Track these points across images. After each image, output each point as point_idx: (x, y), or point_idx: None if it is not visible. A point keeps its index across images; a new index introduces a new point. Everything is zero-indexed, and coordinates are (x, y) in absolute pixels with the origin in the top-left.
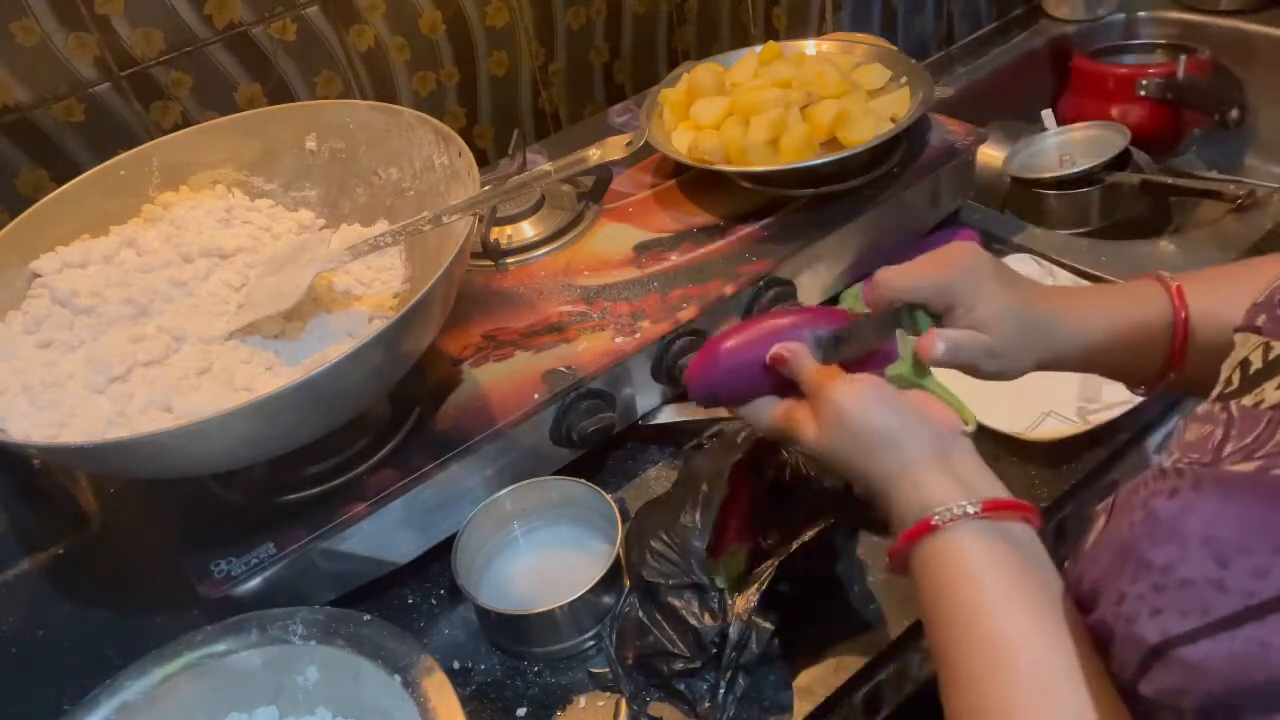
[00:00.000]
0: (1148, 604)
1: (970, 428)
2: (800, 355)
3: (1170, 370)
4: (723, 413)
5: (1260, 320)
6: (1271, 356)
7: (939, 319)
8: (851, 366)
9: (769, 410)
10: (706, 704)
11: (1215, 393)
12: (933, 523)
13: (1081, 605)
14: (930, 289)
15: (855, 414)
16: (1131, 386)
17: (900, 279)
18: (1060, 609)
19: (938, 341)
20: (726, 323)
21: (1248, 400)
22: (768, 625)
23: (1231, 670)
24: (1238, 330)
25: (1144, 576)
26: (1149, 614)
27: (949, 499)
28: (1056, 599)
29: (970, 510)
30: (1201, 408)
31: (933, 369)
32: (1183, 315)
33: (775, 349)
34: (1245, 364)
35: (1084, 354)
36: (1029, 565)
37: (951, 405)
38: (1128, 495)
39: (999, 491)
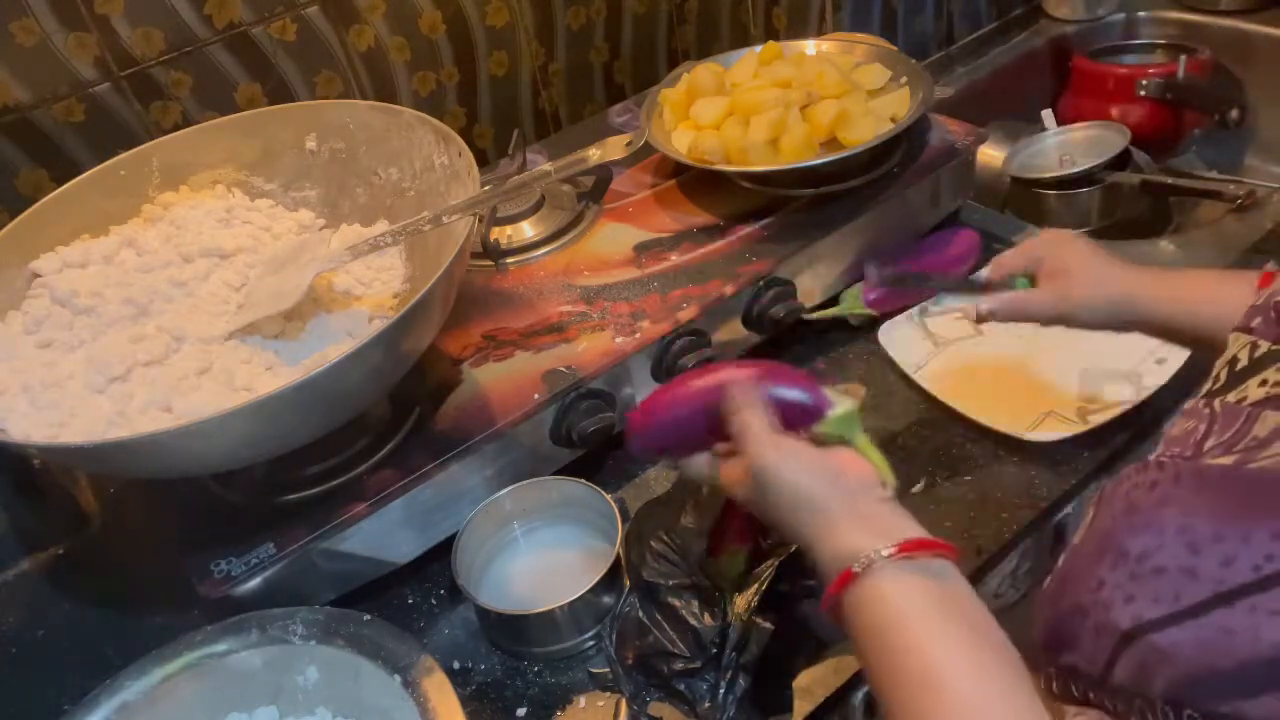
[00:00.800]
0: (1123, 591)
1: (889, 490)
2: (748, 410)
3: None
4: None
5: (1255, 322)
6: (1257, 355)
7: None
8: (785, 423)
9: (705, 464)
10: (706, 704)
11: (1204, 390)
12: (853, 570)
13: (1058, 593)
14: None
15: (780, 476)
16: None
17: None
18: (981, 633)
19: (985, 304)
20: (727, 323)
21: (1231, 397)
22: (767, 625)
23: (1199, 655)
24: (1234, 330)
25: (1121, 565)
26: (1123, 601)
27: (865, 546)
28: (977, 624)
29: (885, 554)
30: (1188, 404)
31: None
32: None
33: (734, 391)
34: (1233, 362)
35: (1165, 335)
36: (949, 597)
37: (873, 462)
38: (1112, 489)
39: (913, 532)
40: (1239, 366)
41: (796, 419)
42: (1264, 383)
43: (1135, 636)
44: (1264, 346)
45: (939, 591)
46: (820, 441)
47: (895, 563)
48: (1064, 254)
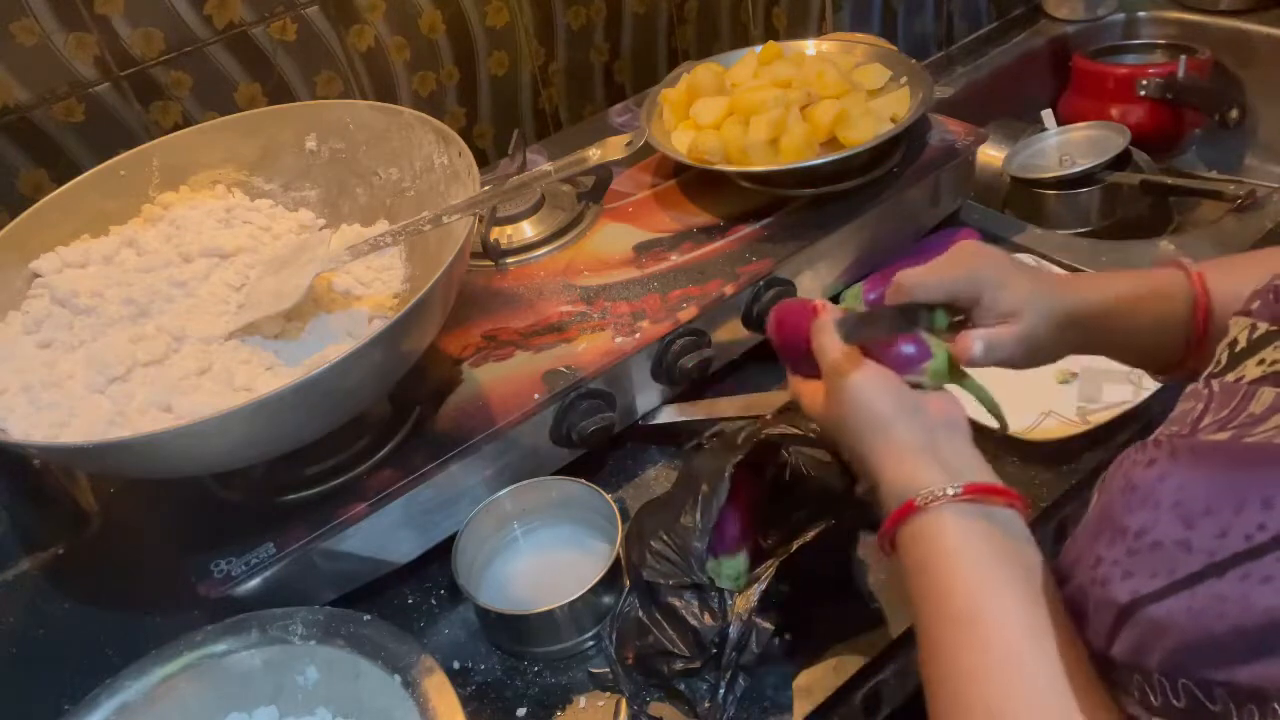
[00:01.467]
0: (1121, 567)
1: (1001, 430)
2: (824, 332)
3: (1192, 354)
4: (723, 412)
5: (1255, 305)
6: (1255, 336)
7: (959, 319)
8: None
9: (791, 379)
10: (706, 704)
11: (1205, 373)
12: (915, 504)
13: (1064, 575)
14: (956, 284)
15: (858, 396)
16: (1154, 373)
17: (926, 278)
18: (1038, 587)
19: (975, 342)
20: (727, 323)
21: (1230, 377)
22: (768, 625)
23: (1192, 624)
24: (1234, 315)
25: (1119, 542)
26: (1121, 576)
27: (931, 482)
28: (1035, 578)
29: (951, 492)
30: (1190, 387)
31: (971, 371)
32: (1204, 298)
33: (813, 324)
34: (1233, 344)
35: (1109, 335)
36: (1008, 545)
37: (986, 406)
38: (1114, 469)
39: (985, 477)
40: (1238, 348)
41: (884, 363)
42: (1261, 362)
43: (1133, 610)
44: (1262, 328)
45: (1000, 540)
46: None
47: (959, 503)
48: (985, 274)
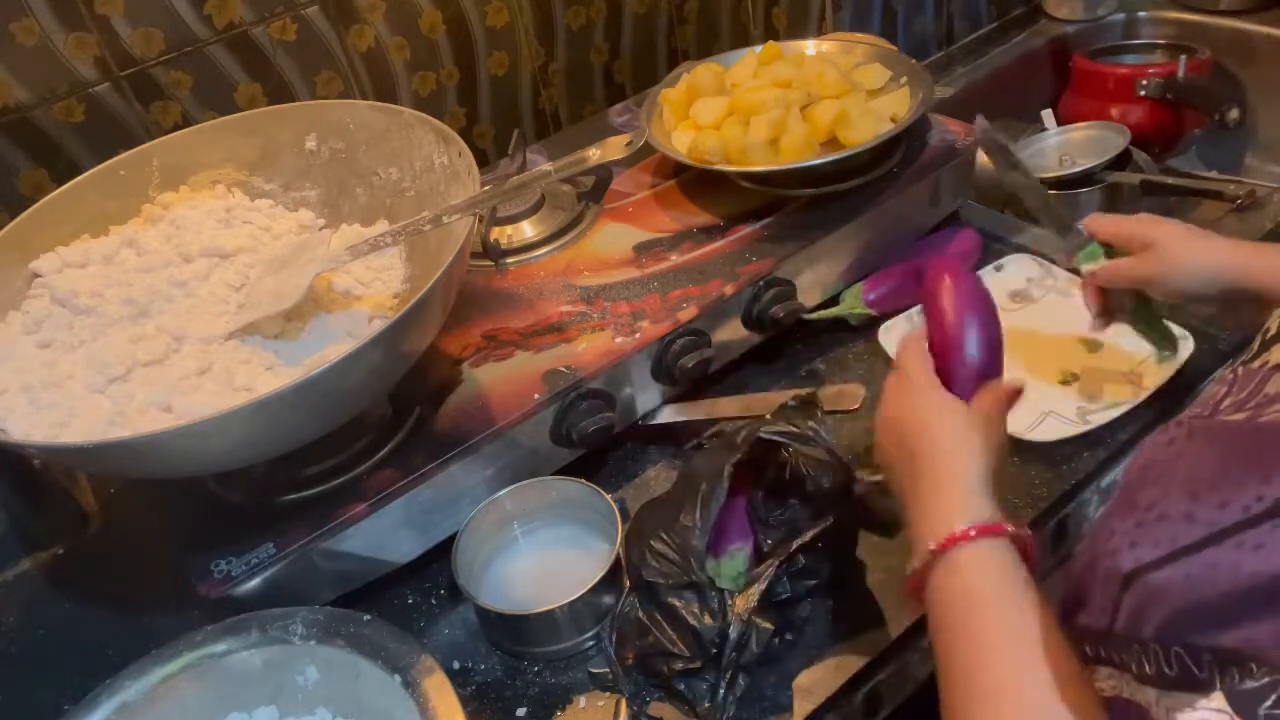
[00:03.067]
0: (1129, 538)
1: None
2: (912, 356)
3: None
4: (723, 412)
5: None
6: None
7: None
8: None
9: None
10: (706, 704)
11: (1239, 359)
12: (933, 549)
13: (1080, 557)
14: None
15: (922, 437)
16: None
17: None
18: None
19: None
20: (727, 323)
21: (1255, 363)
22: (767, 625)
23: (1186, 590)
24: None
25: (1131, 515)
26: (1128, 547)
27: (953, 523)
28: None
29: (973, 534)
30: (1221, 372)
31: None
32: None
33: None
34: (1265, 331)
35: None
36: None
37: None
38: (1139, 450)
39: (995, 514)
40: (1269, 335)
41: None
42: None
43: (1134, 578)
44: None
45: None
46: None
47: (974, 544)
48: (1154, 231)
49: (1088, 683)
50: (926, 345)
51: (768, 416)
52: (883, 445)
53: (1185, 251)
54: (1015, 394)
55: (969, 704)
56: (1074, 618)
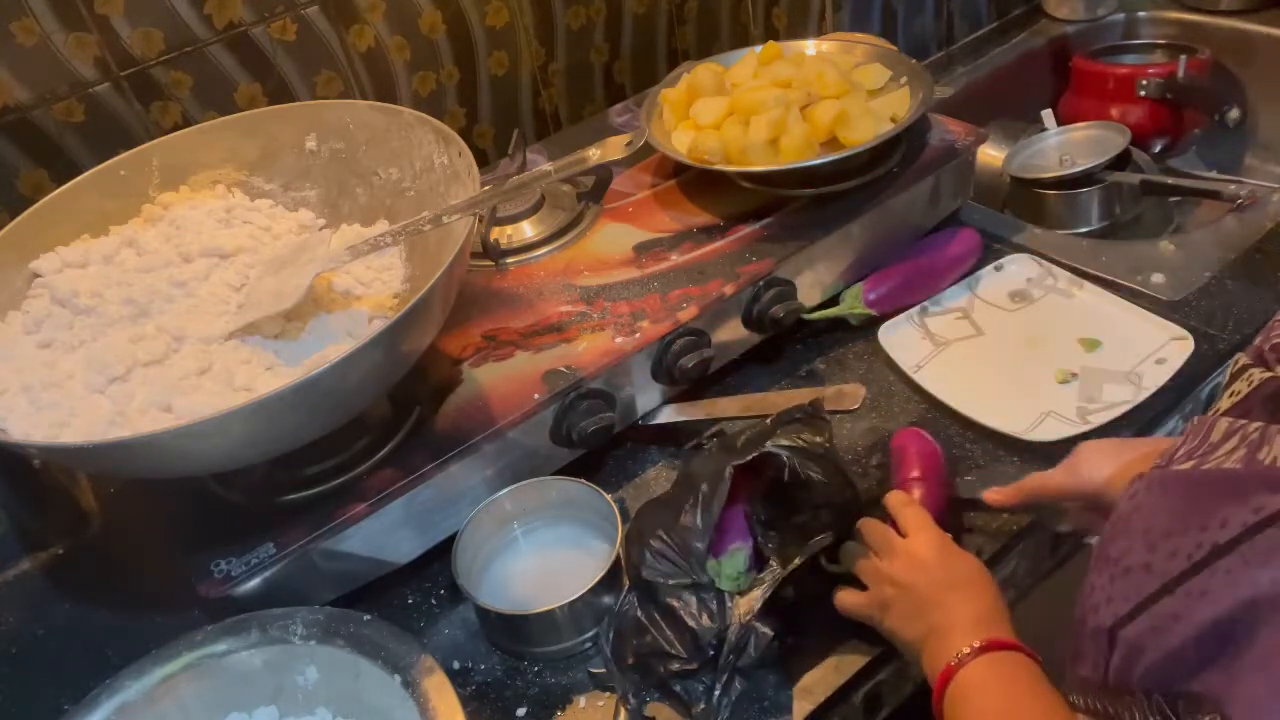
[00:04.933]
0: (1105, 594)
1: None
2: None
3: None
4: (723, 412)
5: (1257, 340)
6: (1236, 368)
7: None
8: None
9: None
10: (701, 705)
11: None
12: (951, 665)
13: (1075, 609)
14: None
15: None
16: None
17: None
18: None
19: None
20: (727, 323)
21: (1209, 411)
22: (767, 630)
23: (1153, 642)
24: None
25: (1105, 569)
26: (1105, 602)
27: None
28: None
29: (978, 645)
30: (1195, 419)
31: None
32: None
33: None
34: (1226, 383)
35: None
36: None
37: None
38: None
39: (1003, 631)
40: (1221, 385)
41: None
42: (1233, 394)
43: (1114, 634)
44: (1241, 361)
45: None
46: None
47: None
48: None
49: None
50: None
51: (768, 422)
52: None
53: (1096, 459)
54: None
55: None
56: (1076, 668)
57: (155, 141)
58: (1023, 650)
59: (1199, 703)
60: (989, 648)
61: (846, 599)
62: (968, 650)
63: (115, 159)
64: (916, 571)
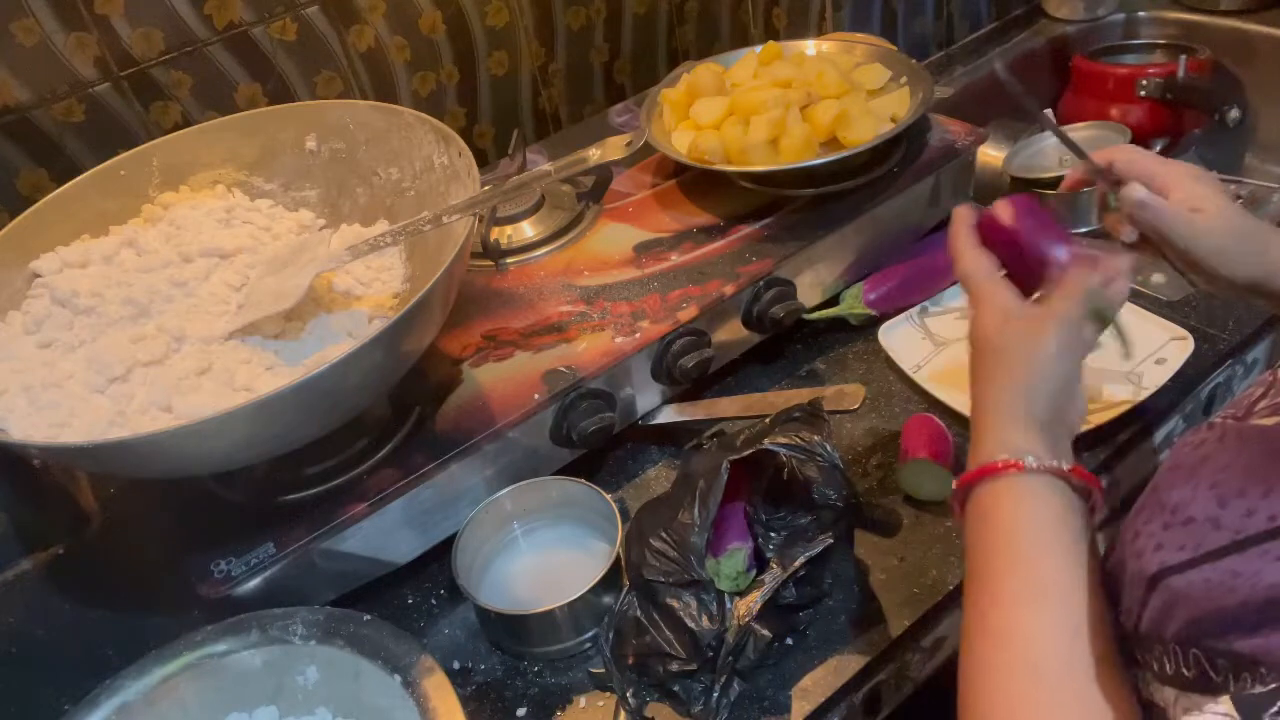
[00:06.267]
0: (1154, 540)
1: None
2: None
3: None
4: (723, 412)
5: None
6: None
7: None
8: (1021, 267)
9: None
10: (699, 706)
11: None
12: (998, 466)
13: (1109, 556)
14: (1158, 169)
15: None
16: None
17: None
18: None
19: (1138, 188)
20: (727, 323)
21: None
22: (765, 632)
23: (1206, 596)
24: None
25: (1157, 516)
26: (1153, 549)
27: (1019, 449)
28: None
29: (1034, 464)
30: (1262, 375)
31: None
32: None
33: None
34: None
35: None
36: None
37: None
38: (1172, 449)
39: (1067, 457)
40: (1221, 385)
41: (1036, 266)
42: None
43: (1158, 580)
44: None
45: (1060, 521)
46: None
47: (1036, 476)
48: (1197, 189)
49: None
50: (979, 244)
51: (767, 421)
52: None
53: (1223, 217)
54: (1104, 270)
55: (972, 653)
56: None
57: (155, 141)
58: (1028, 467)
59: (1243, 663)
60: (960, 487)
61: None
62: (958, 485)
63: (115, 159)
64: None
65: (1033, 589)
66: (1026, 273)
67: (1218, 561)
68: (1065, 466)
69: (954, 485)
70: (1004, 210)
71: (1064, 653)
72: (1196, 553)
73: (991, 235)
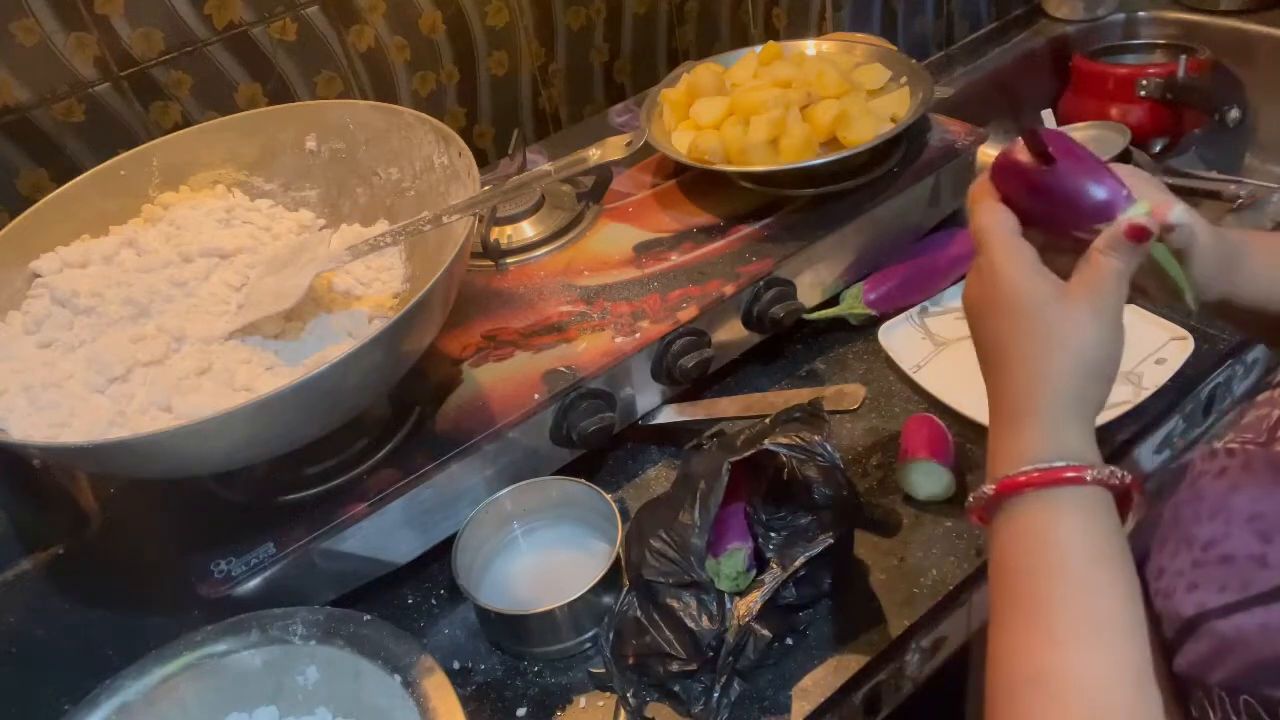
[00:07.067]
0: (1185, 579)
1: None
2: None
3: None
4: (723, 412)
5: None
6: None
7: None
8: (1058, 216)
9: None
10: (700, 706)
11: (1277, 379)
12: (1021, 481)
13: None
14: (1135, 184)
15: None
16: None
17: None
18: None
19: (1175, 204)
20: (727, 323)
21: None
22: (766, 633)
23: (1263, 642)
24: None
25: (1184, 553)
26: (1185, 589)
27: (1046, 454)
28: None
29: (1071, 475)
30: (1263, 395)
31: None
32: None
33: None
34: None
35: (1265, 296)
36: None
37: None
38: (1174, 476)
39: (1093, 457)
40: (1221, 385)
41: (1078, 212)
42: None
43: (1198, 624)
44: None
45: (1104, 540)
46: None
47: (1073, 489)
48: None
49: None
50: (1001, 203)
51: (768, 422)
52: (971, 330)
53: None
54: (1137, 232)
55: (1016, 703)
56: None
57: (155, 141)
58: (1052, 479)
59: None
60: (1000, 494)
61: None
62: (978, 496)
63: (115, 159)
64: (968, 319)
65: (1092, 626)
66: (1050, 222)
67: (1271, 605)
68: (1122, 474)
69: (990, 491)
70: (1029, 146)
71: (1129, 703)
72: (1244, 594)
73: (1012, 181)
